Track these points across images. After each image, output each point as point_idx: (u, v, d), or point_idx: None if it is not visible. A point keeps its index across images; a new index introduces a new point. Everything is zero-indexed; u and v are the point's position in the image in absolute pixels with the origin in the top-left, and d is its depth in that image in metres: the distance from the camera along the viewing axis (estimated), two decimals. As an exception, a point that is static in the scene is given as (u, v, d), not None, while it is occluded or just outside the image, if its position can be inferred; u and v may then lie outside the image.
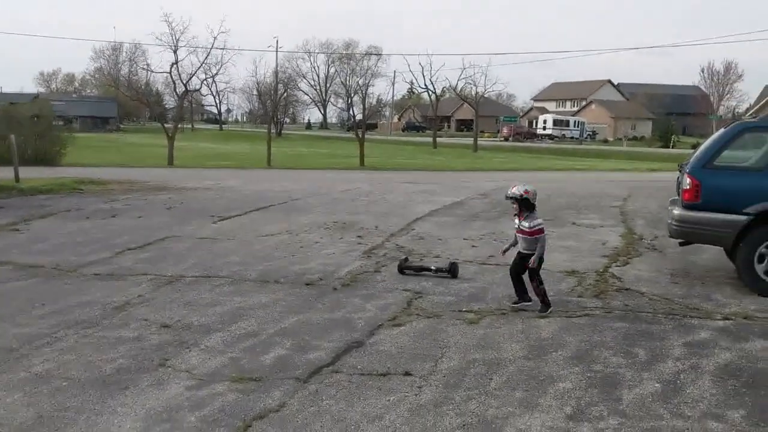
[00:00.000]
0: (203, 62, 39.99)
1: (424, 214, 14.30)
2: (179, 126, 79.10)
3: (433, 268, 8.07)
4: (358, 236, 11.26)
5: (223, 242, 10.57)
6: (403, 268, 8.11)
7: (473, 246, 10.37)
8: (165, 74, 36.91)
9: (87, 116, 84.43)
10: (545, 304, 6.58)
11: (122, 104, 76.90)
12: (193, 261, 9.03)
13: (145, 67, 66.11)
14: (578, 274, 8.43)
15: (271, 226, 12.22)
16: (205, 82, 44.95)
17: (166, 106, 72.50)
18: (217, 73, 43.56)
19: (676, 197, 9.22)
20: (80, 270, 8.37)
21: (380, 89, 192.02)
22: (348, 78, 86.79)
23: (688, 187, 7.73)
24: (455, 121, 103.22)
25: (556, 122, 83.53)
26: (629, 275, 8.42)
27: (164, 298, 7.05)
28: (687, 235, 7.99)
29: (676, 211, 7.93)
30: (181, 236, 11.08)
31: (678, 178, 8.74)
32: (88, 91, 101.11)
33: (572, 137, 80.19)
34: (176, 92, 39.64)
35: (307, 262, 9.03)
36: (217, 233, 11.44)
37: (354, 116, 55.81)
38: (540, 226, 6.46)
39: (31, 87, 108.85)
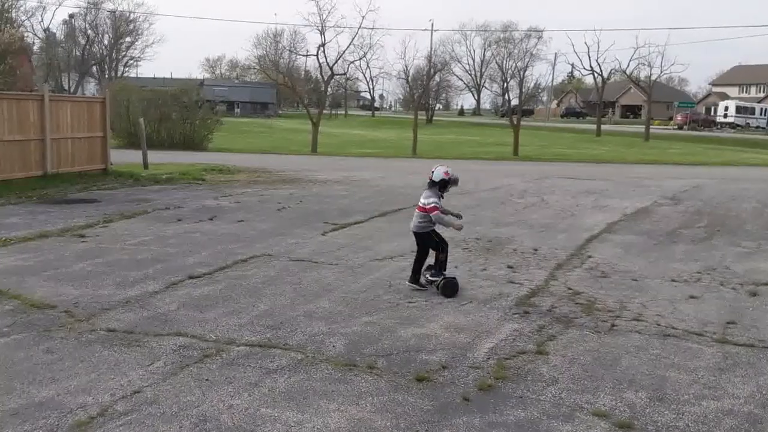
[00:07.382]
0: (351, 42, 37.95)
1: (599, 230, 10.64)
2: (333, 112, 79.43)
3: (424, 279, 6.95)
4: (509, 267, 7.93)
5: (320, 269, 7.65)
6: None
7: (692, 297, 6.66)
8: (313, 57, 35.01)
9: (247, 101, 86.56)
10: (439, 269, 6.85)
11: (281, 90, 77.51)
12: (265, 307, 6.15)
13: (306, 53, 65.45)
14: None
15: (392, 243, 9.18)
16: (353, 65, 42.74)
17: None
18: (365, 55, 41.10)
19: None
20: (96, 318, 5.71)
21: (538, 72, 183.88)
22: (505, 61, 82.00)
23: None
24: (620, 106, 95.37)
25: (739, 109, 74.43)
26: None
27: (168, 402, 4.10)
28: None
29: None
30: (272, 255, 8.31)
31: None
32: (252, 76, 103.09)
33: (758, 126, 71.12)
34: (322, 76, 37.58)
35: (428, 320, 5.84)
36: (320, 251, 8.57)
37: (509, 101, 51.54)
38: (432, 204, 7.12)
39: (197, 73, 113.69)
